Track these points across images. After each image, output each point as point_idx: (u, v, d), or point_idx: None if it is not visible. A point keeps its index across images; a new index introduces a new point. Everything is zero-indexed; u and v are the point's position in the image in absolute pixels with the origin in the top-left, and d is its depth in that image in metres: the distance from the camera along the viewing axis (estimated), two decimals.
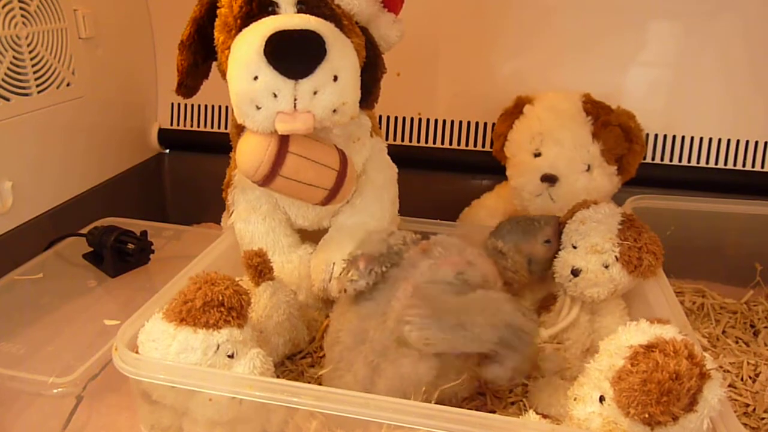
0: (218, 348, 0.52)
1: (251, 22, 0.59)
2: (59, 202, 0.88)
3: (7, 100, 0.78)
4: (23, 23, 0.79)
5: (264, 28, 0.57)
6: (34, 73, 0.82)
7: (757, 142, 0.95)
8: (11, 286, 0.76)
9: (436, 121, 1.03)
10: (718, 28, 0.93)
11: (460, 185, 1.03)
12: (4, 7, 0.76)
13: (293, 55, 0.56)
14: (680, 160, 0.98)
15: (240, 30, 0.59)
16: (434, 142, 1.04)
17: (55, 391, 0.60)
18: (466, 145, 1.03)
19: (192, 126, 1.10)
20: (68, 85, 0.88)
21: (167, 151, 1.13)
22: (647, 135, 0.98)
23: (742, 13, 0.92)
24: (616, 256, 0.64)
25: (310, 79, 0.56)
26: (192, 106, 1.10)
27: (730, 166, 0.96)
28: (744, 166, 0.96)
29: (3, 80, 0.77)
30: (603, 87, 0.91)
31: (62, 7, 0.85)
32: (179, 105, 1.10)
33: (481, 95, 1.01)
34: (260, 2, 0.59)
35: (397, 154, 1.04)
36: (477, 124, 1.02)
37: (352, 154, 0.70)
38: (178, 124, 1.11)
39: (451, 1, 0.99)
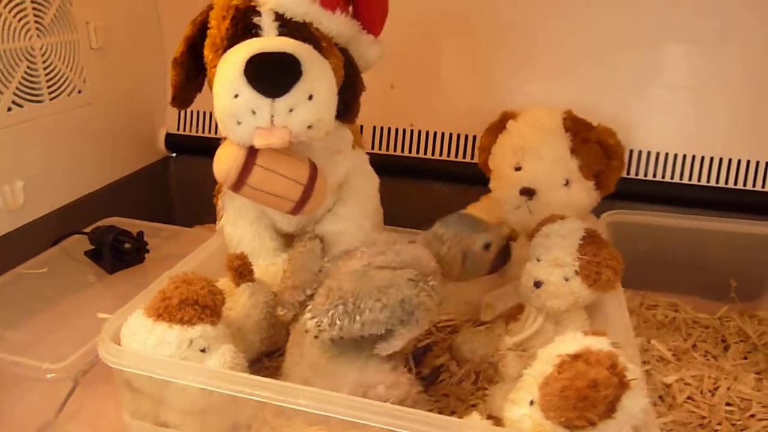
0: (191, 343, 0.57)
1: (236, 43, 0.64)
2: (68, 202, 0.95)
3: (21, 106, 0.84)
4: (38, 35, 0.86)
5: (246, 49, 0.61)
6: (47, 81, 0.88)
7: (739, 161, 0.97)
8: (18, 279, 0.83)
9: (427, 132, 1.07)
10: (699, 47, 0.95)
11: (450, 195, 1.07)
12: (20, 20, 0.83)
13: (270, 76, 0.60)
14: (663, 177, 1.00)
15: (226, 50, 0.64)
16: (425, 153, 1.08)
17: (48, 376, 0.65)
18: (456, 156, 1.07)
19: (197, 131, 1.16)
20: (79, 92, 0.94)
21: (174, 154, 1.19)
22: (631, 151, 1.00)
23: (723, 32, 0.94)
24: (576, 270, 0.67)
25: (285, 98, 0.61)
26: (198, 112, 1.15)
27: (713, 183, 0.99)
28: (726, 183, 0.98)
29: (17, 88, 0.83)
30: (589, 103, 0.94)
31: (75, 19, 0.92)
32: (186, 112, 1.16)
33: (472, 108, 1.04)
34: (245, 25, 0.64)
35: (390, 163, 1.09)
36: (467, 136, 1.06)
37: (334, 165, 0.75)
38: (184, 130, 1.17)
39: (444, 17, 1.02)
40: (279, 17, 0.64)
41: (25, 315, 0.76)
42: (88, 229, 0.88)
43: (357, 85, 0.71)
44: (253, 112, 0.61)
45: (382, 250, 0.61)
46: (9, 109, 0.83)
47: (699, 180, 0.99)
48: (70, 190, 0.96)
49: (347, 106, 0.71)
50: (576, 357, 0.47)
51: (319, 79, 0.63)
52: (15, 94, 0.83)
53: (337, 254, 0.65)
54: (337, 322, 0.55)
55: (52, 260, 0.87)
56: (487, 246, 0.68)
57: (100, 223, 0.91)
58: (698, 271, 0.90)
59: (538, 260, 0.70)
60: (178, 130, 1.17)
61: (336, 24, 0.67)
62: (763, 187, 0.97)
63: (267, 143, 0.62)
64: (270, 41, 0.63)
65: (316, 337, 0.57)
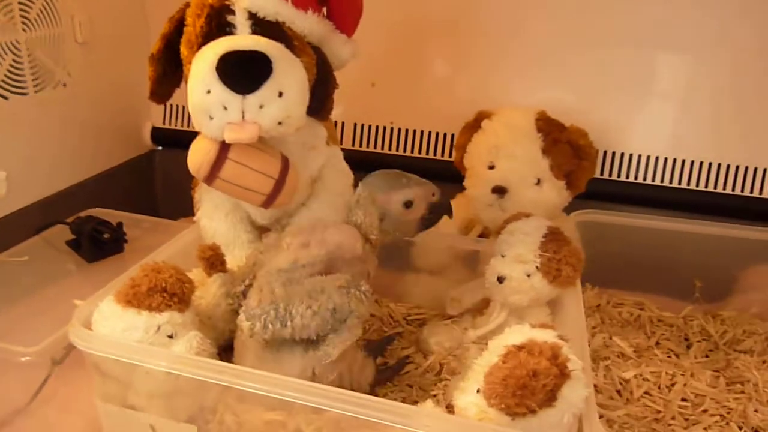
0: (159, 328, 0.59)
1: (210, 41, 0.66)
2: (52, 192, 0.97)
3: (5, 98, 0.86)
4: (23, 29, 0.88)
5: (218, 47, 0.63)
6: (32, 74, 0.90)
7: (710, 164, 0.99)
8: (0, 266, 0.85)
9: (407, 130, 1.10)
10: (678, 50, 0.97)
11: None
12: (6, 14, 0.85)
13: (241, 73, 0.62)
14: (636, 178, 1.03)
15: (200, 47, 0.66)
16: (404, 150, 1.10)
17: (23, 359, 0.67)
18: (435, 154, 1.09)
19: (183, 125, 1.18)
20: (64, 85, 0.96)
21: (159, 147, 1.21)
22: (605, 152, 1.03)
23: (699, 37, 0.96)
24: (537, 266, 0.69)
25: (256, 95, 0.63)
26: (183, 107, 1.17)
27: (684, 185, 1.01)
28: (698, 186, 1.01)
29: (2, 81, 0.86)
30: (566, 104, 0.97)
31: (60, 13, 0.94)
32: (171, 106, 1.18)
33: (451, 107, 1.06)
34: (219, 23, 0.66)
35: (371, 160, 1.11)
36: (445, 135, 1.08)
37: (307, 161, 0.77)
38: (170, 123, 1.19)
39: (425, 18, 1.05)
40: (252, 16, 0.66)
41: (5, 302, 0.78)
42: (69, 219, 0.90)
43: (329, 82, 0.73)
44: (225, 108, 0.63)
45: (307, 240, 0.62)
46: None
47: (672, 182, 1.01)
48: (54, 181, 0.98)
49: (320, 103, 0.73)
50: (520, 348, 0.49)
51: (289, 76, 0.64)
52: (0, 86, 0.85)
53: (270, 242, 0.66)
54: (269, 326, 0.56)
55: (33, 249, 0.89)
56: (407, 204, 0.64)
57: (81, 214, 0.93)
58: (665, 272, 0.92)
59: (503, 256, 0.72)
60: (164, 123, 1.19)
61: (308, 23, 0.69)
62: (733, 190, 1.00)
63: (237, 138, 0.64)
64: (242, 39, 0.65)
65: (251, 336, 0.59)
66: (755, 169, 0.98)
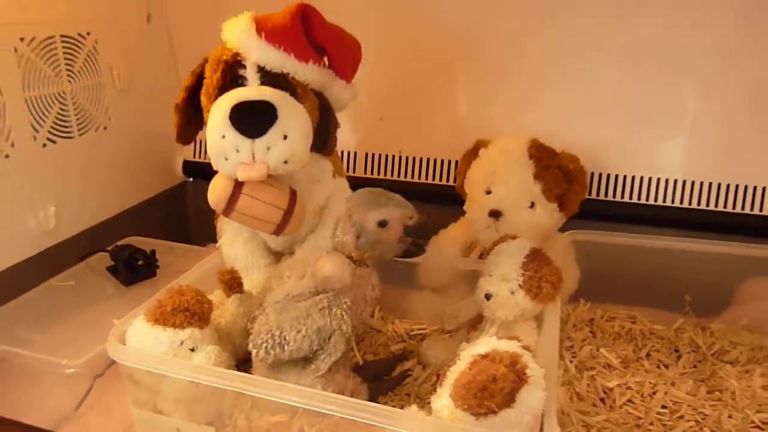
0: (182, 343, 0.68)
1: (225, 92, 0.76)
2: (94, 223, 1.09)
3: (54, 142, 0.99)
4: (68, 81, 1.00)
5: (231, 98, 0.73)
6: (77, 120, 1.02)
7: (702, 183, 1.04)
8: (50, 290, 0.97)
9: (413, 158, 1.18)
10: (665, 72, 1.02)
11: (435, 215, 1.16)
12: (53, 69, 0.97)
13: (250, 120, 0.72)
14: (631, 198, 1.08)
15: (216, 98, 0.76)
16: (411, 177, 1.18)
17: (68, 371, 0.78)
18: (440, 180, 1.17)
19: None
20: (105, 128, 1.08)
21: (191, 179, 1.32)
22: (600, 174, 1.08)
23: (689, 56, 1.00)
24: (519, 284, 0.76)
25: (263, 138, 0.72)
26: None
27: (677, 204, 1.06)
28: (690, 204, 1.05)
29: (51, 127, 0.98)
30: (559, 130, 1.03)
31: (101, 65, 1.06)
32: (201, 141, 1.29)
33: (453, 137, 1.13)
34: (232, 76, 0.76)
35: (381, 187, 1.19)
36: (449, 162, 1.16)
37: (314, 193, 0.86)
38: (200, 157, 1.30)
39: (426, 60, 1.13)
40: (261, 69, 0.76)
41: (54, 321, 0.90)
42: (109, 248, 1.01)
43: (331, 123, 0.82)
44: (237, 150, 0.73)
45: (303, 271, 0.68)
46: (44, 146, 0.97)
47: (665, 201, 1.06)
48: (96, 213, 1.10)
49: (323, 142, 0.82)
50: (484, 356, 0.56)
51: (292, 121, 0.74)
52: (49, 132, 0.98)
53: (275, 274, 0.73)
54: (270, 352, 0.65)
55: (78, 274, 1.01)
56: (381, 223, 0.65)
57: (119, 242, 1.04)
58: (657, 288, 0.96)
59: (490, 275, 0.79)
60: (194, 157, 1.31)
61: (310, 73, 0.78)
62: (725, 207, 1.04)
63: (248, 176, 0.73)
64: (250, 90, 0.74)
65: (259, 361, 0.68)
66: (745, 187, 1.02)
